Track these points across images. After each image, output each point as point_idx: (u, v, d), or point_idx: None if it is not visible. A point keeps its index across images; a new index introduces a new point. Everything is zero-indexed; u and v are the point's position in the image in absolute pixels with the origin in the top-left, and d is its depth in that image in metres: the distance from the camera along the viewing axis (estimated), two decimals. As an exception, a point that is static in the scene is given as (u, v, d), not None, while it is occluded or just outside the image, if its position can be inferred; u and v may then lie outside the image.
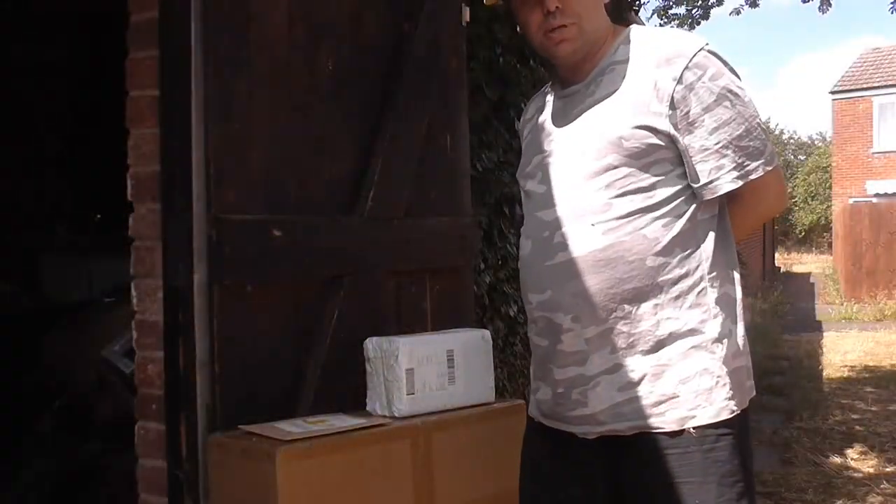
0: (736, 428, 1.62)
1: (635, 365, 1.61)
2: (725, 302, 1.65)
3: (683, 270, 1.62)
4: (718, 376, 1.61)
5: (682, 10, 6.94)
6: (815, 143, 45.10)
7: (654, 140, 1.60)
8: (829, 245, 29.12)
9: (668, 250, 1.61)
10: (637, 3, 5.61)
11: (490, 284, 3.74)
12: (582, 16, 1.66)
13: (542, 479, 1.76)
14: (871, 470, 4.69)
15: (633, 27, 1.74)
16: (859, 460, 4.88)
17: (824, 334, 10.99)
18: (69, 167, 4.71)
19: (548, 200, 1.69)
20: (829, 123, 25.90)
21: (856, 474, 4.62)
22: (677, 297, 1.61)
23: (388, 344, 2.07)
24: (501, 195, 3.89)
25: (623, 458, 1.65)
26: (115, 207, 2.35)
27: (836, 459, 4.89)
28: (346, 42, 2.32)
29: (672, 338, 1.61)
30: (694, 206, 1.64)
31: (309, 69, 2.22)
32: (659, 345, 1.61)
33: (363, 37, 2.36)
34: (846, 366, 8.36)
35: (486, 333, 2.28)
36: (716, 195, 1.62)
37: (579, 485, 1.70)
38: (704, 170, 1.61)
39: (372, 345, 2.10)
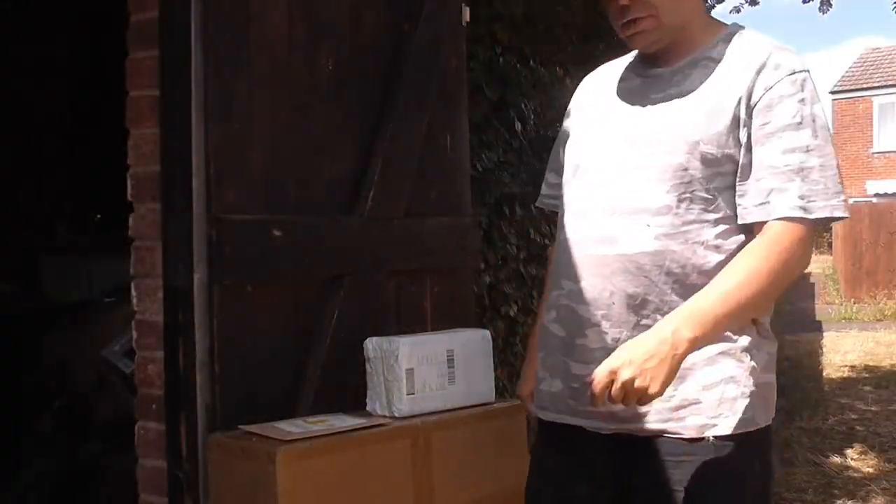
0: (757, 442, 1.55)
1: None
2: (758, 321, 1.58)
3: None
4: (745, 386, 1.53)
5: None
6: (815, 143, 45.06)
7: (731, 151, 1.52)
8: (829, 245, 29.09)
9: (713, 272, 1.51)
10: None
11: (490, 284, 3.74)
12: (659, 7, 1.55)
13: (546, 475, 1.72)
14: (871, 470, 4.69)
15: (738, 26, 1.64)
16: (859, 460, 4.88)
17: (824, 334, 10.99)
18: (69, 167, 4.71)
19: (606, 186, 1.58)
20: (830, 123, 25.88)
21: (856, 474, 4.62)
22: None
23: (388, 344, 2.06)
24: (501, 195, 3.88)
25: (636, 459, 1.58)
26: (115, 207, 2.35)
27: (836, 459, 4.89)
28: (346, 42, 2.32)
29: (700, 351, 1.52)
30: (745, 231, 1.54)
31: (309, 69, 2.22)
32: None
33: (363, 37, 2.36)
34: (846, 366, 8.36)
35: (486, 333, 2.28)
36: (769, 219, 1.49)
37: (585, 482, 1.65)
38: (765, 188, 1.49)
39: (372, 345, 2.10)
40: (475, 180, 3.12)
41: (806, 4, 6.76)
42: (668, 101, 1.58)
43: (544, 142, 4.39)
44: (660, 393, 1.43)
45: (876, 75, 24.78)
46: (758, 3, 6.95)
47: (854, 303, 14.45)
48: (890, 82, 24.14)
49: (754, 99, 1.51)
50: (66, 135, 4.78)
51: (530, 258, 4.19)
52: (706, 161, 1.51)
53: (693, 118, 1.53)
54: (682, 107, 1.56)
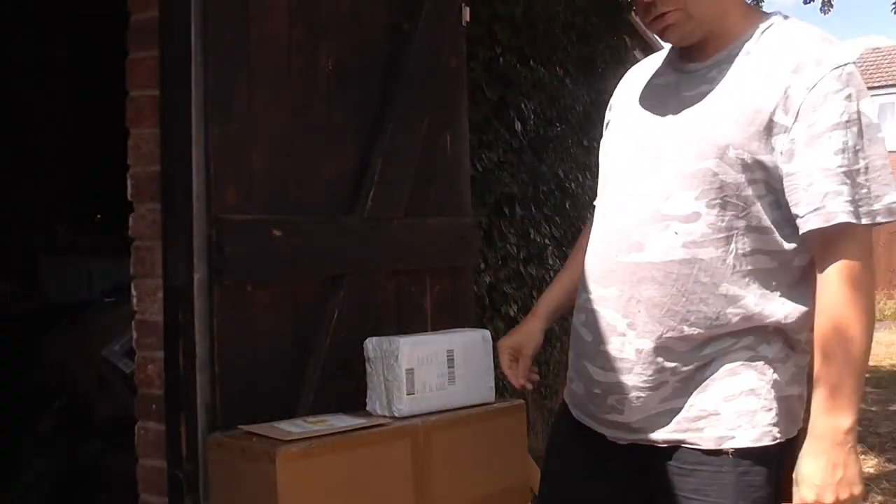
0: (777, 457, 1.49)
1: (680, 379, 1.51)
2: (788, 332, 1.50)
3: (757, 311, 1.47)
4: (766, 399, 1.48)
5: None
6: (815, 143, 45.05)
7: (763, 157, 1.43)
8: (829, 245, 29.07)
9: (745, 283, 1.46)
10: (637, 3, 5.58)
11: (490, 284, 3.74)
12: (688, 1, 1.47)
13: (569, 461, 1.70)
14: (872, 470, 4.69)
15: (780, 18, 1.53)
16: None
17: (824, 334, 10.98)
18: (69, 167, 4.71)
19: (635, 190, 1.52)
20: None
21: (856, 474, 4.62)
22: (740, 328, 1.48)
23: (388, 344, 2.06)
24: (501, 195, 3.89)
25: (656, 468, 1.55)
26: (116, 207, 2.35)
27: (837, 459, 4.88)
28: (346, 42, 2.32)
29: (722, 354, 1.49)
30: (787, 243, 1.46)
31: (309, 69, 2.22)
32: (708, 359, 1.50)
33: (363, 37, 2.36)
34: (846, 366, 8.35)
35: (486, 333, 2.28)
36: (829, 224, 1.39)
37: (603, 481, 1.63)
38: (819, 192, 1.39)
39: (372, 345, 2.10)
40: (475, 180, 3.13)
41: (807, 5, 6.75)
42: (699, 100, 1.50)
43: (544, 142, 4.40)
44: (862, 487, 1.39)
45: (876, 75, 24.77)
46: (761, 7, 6.95)
47: (854, 303, 14.43)
48: (890, 82, 24.12)
49: (796, 101, 1.41)
50: (66, 135, 4.78)
51: (530, 258, 4.19)
52: (737, 166, 1.43)
53: (725, 120, 1.45)
54: (713, 107, 1.47)
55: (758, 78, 1.45)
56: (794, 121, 1.40)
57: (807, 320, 1.48)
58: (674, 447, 1.52)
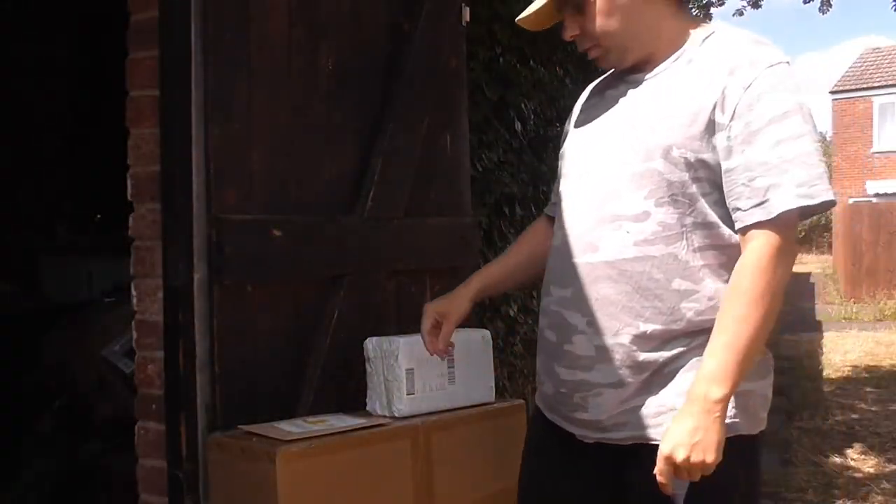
0: (739, 451, 1.52)
1: (640, 379, 1.56)
2: None
3: (711, 304, 1.52)
4: None
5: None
6: (815, 143, 45.05)
7: (705, 156, 1.50)
8: (829, 245, 29.08)
9: (698, 278, 1.52)
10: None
11: (490, 284, 3.73)
12: (599, 36, 1.60)
13: (544, 460, 1.75)
14: (872, 470, 4.69)
15: (718, 25, 1.63)
16: (859, 460, 4.88)
17: (824, 334, 10.99)
18: (69, 167, 4.71)
19: (588, 194, 1.61)
20: (829, 123, 25.90)
21: (856, 474, 4.62)
22: (695, 322, 1.53)
23: (388, 344, 2.06)
24: (501, 195, 3.89)
25: (625, 467, 1.60)
26: (116, 207, 2.35)
27: (836, 459, 4.89)
28: (346, 42, 2.32)
29: (680, 354, 1.55)
30: (734, 237, 1.52)
31: (309, 69, 2.22)
32: (667, 363, 1.56)
33: (363, 37, 2.36)
34: (846, 366, 8.36)
35: (486, 333, 2.28)
36: (772, 216, 1.45)
37: (574, 479, 1.69)
38: (761, 186, 1.46)
39: (372, 345, 2.10)
40: (475, 180, 3.13)
41: (806, 4, 6.76)
42: (645, 106, 1.59)
43: (544, 142, 4.39)
44: (717, 458, 1.44)
45: (876, 75, 24.77)
46: (760, 6, 6.95)
47: (854, 303, 14.45)
48: (890, 82, 24.13)
49: (732, 100, 1.49)
50: (66, 135, 4.78)
51: (530, 258, 4.18)
52: (681, 165, 1.51)
53: (668, 122, 1.53)
54: (658, 111, 1.55)
55: (698, 82, 1.53)
56: (731, 119, 1.48)
57: None
58: (638, 445, 1.57)
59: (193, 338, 1.94)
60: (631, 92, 1.62)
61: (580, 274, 1.59)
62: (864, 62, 25.91)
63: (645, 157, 1.54)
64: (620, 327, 1.55)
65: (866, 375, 7.80)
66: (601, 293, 1.56)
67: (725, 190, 1.51)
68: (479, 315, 3.26)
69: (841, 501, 4.17)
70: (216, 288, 1.97)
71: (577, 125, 1.74)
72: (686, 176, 1.51)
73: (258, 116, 2.08)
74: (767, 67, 1.49)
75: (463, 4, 2.67)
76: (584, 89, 1.82)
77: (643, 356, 1.55)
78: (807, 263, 28.87)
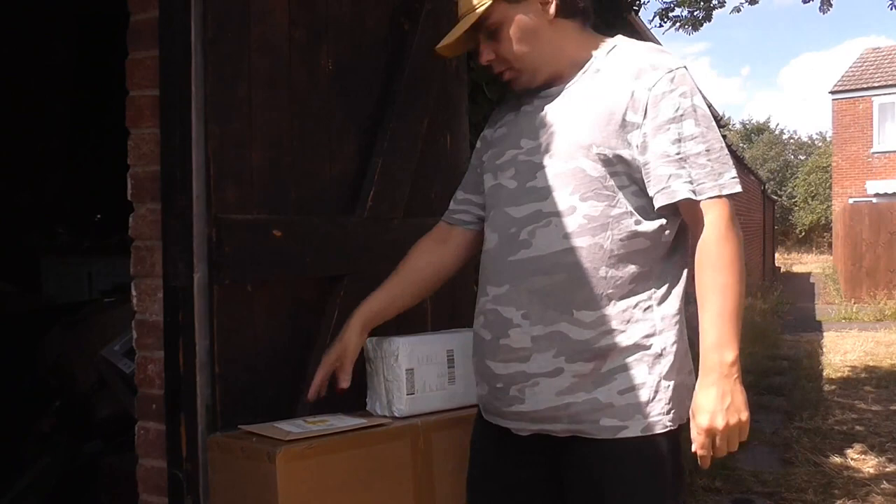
0: (669, 443, 1.66)
1: (576, 370, 1.65)
2: (672, 317, 1.69)
3: (634, 286, 1.67)
4: (656, 391, 1.66)
5: (684, 11, 6.92)
6: (815, 143, 45.11)
7: (621, 151, 1.65)
8: (829, 245, 29.09)
9: (622, 265, 1.66)
10: (637, 4, 5.60)
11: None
12: (512, 59, 1.74)
13: (484, 467, 1.85)
14: (872, 470, 4.70)
15: (620, 39, 1.78)
16: (859, 460, 4.88)
17: (824, 334, 11.00)
18: (69, 167, 4.71)
19: (518, 197, 1.73)
20: (829, 123, 25.91)
21: (856, 474, 4.62)
22: (625, 311, 1.66)
23: (388, 344, 2.07)
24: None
25: (559, 458, 1.72)
26: (116, 207, 2.35)
27: (836, 459, 4.89)
28: (346, 42, 2.32)
29: (615, 349, 1.65)
30: (653, 225, 1.68)
31: (309, 69, 2.22)
32: (601, 354, 1.65)
33: (363, 37, 2.37)
34: (846, 366, 8.36)
35: (486, 333, 2.28)
36: (672, 201, 1.64)
37: (520, 469, 1.78)
38: (664, 174, 1.64)
39: (372, 345, 2.10)
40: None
41: (806, 4, 6.75)
42: (563, 113, 1.72)
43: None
44: (748, 414, 1.60)
45: (876, 75, 24.77)
46: (757, 2, 6.94)
47: (854, 303, 14.46)
48: (890, 82, 24.13)
49: (641, 101, 1.65)
50: (66, 135, 4.78)
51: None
52: (600, 162, 1.65)
53: (585, 125, 1.67)
54: (576, 116, 1.70)
55: (609, 87, 1.69)
56: (644, 117, 1.65)
57: (680, 292, 1.71)
58: (573, 438, 1.68)
59: (193, 338, 1.94)
60: (546, 105, 1.76)
61: (514, 271, 1.69)
62: (864, 62, 25.90)
63: (568, 157, 1.67)
64: (556, 316, 1.65)
65: (866, 375, 7.80)
66: (536, 286, 1.66)
67: (648, 179, 1.65)
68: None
69: (841, 501, 4.17)
70: (216, 288, 1.97)
71: (497, 140, 1.85)
72: (606, 171, 1.65)
73: (258, 116, 2.09)
74: (667, 72, 1.66)
75: (463, 4, 2.66)
76: (528, 98, 1.87)
77: (578, 343, 1.65)
78: (807, 263, 28.89)
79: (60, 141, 4.79)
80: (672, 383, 1.67)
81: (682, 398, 1.67)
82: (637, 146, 1.65)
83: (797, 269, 26.57)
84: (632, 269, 1.66)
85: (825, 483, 4.44)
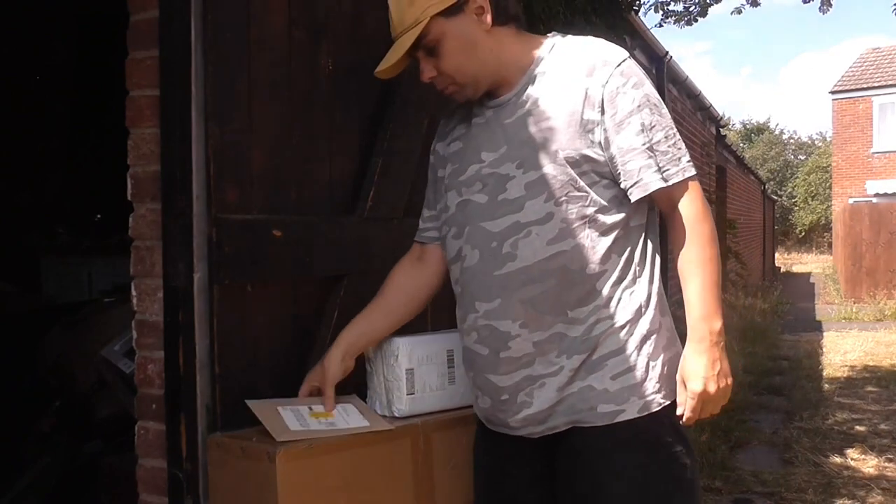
0: (667, 418, 1.71)
1: (574, 364, 1.70)
2: (654, 298, 1.74)
3: (619, 275, 1.71)
4: (647, 371, 1.71)
5: (679, 6, 6.91)
6: (815, 143, 45.12)
7: (586, 151, 1.68)
8: (829, 245, 29.09)
9: (605, 258, 1.70)
10: (637, 4, 5.60)
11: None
12: (454, 73, 1.74)
13: (492, 475, 1.88)
14: (872, 470, 4.70)
15: (556, 36, 1.79)
16: (859, 460, 4.89)
17: (824, 334, 11.00)
18: (69, 167, 4.71)
19: (492, 211, 1.73)
20: (829, 123, 25.91)
21: (856, 474, 4.62)
22: (611, 298, 1.70)
23: (388, 344, 2.07)
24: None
25: (557, 450, 1.74)
26: (116, 207, 2.35)
27: (836, 459, 4.89)
28: (346, 42, 2.32)
29: (606, 335, 1.70)
30: (625, 213, 1.72)
31: (309, 69, 2.22)
32: (595, 343, 1.70)
33: (363, 37, 2.36)
34: (846, 366, 8.36)
35: (486, 333, 2.28)
36: (647, 193, 1.69)
37: (524, 467, 1.81)
38: (634, 168, 1.68)
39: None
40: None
41: (806, 4, 6.75)
42: (521, 122, 1.73)
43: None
44: (732, 379, 1.70)
45: (876, 75, 24.77)
46: (759, 4, 6.94)
47: (854, 303, 14.46)
48: (890, 82, 24.13)
49: (597, 98, 1.67)
50: (66, 135, 4.78)
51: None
52: (567, 165, 1.68)
53: (547, 131, 1.69)
54: (534, 123, 1.71)
55: (562, 88, 1.70)
56: (602, 114, 1.67)
57: (657, 272, 1.76)
58: (572, 429, 1.71)
59: (193, 338, 1.94)
60: (502, 114, 1.76)
61: (503, 284, 1.71)
62: (864, 62, 25.90)
63: (535, 165, 1.69)
64: (552, 320, 1.69)
65: (866, 375, 7.80)
66: (528, 295, 1.69)
67: (618, 173, 1.70)
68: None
69: (841, 501, 4.17)
70: (216, 288, 1.97)
71: (453, 156, 1.85)
72: (574, 173, 1.68)
73: (258, 116, 2.08)
74: (617, 66, 1.69)
75: (463, 4, 2.66)
76: (480, 111, 1.86)
77: (575, 340, 1.70)
78: (807, 263, 28.90)
79: (60, 141, 4.79)
80: (660, 361, 1.72)
81: (670, 374, 1.72)
82: (600, 143, 1.68)
83: (797, 269, 26.58)
84: (614, 258, 1.71)
85: (825, 483, 4.44)
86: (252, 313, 2.05)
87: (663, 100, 1.79)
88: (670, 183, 1.69)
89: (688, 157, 1.72)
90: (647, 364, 1.71)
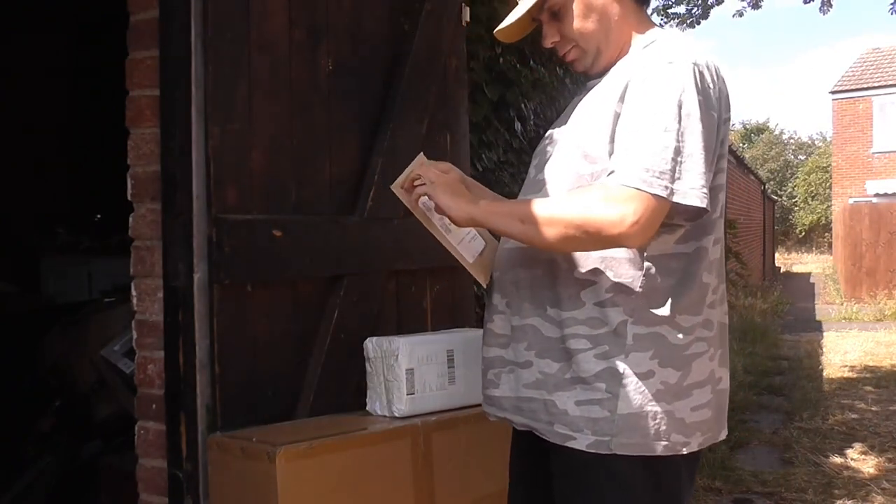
0: (617, 469, 1.55)
1: (543, 367, 1.61)
2: (654, 343, 1.55)
3: (610, 296, 1.56)
4: (609, 412, 1.54)
5: (682, 9, 6.92)
6: (815, 143, 45.13)
7: (612, 146, 1.56)
8: (829, 245, 29.09)
9: (596, 271, 1.57)
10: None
11: (490, 284, 3.73)
12: (578, 38, 1.69)
13: (513, 472, 1.85)
14: (872, 470, 4.69)
15: (657, 33, 1.69)
16: (859, 460, 4.88)
17: (824, 334, 10.99)
18: (69, 167, 4.71)
19: (529, 186, 1.75)
20: (829, 123, 25.90)
21: (856, 474, 4.62)
22: (595, 319, 1.56)
23: (388, 344, 2.07)
24: (501, 195, 3.88)
25: (522, 447, 1.74)
26: (116, 207, 2.35)
27: (836, 459, 4.89)
28: (346, 42, 2.32)
29: (582, 356, 1.57)
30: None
31: (309, 69, 2.22)
32: (568, 357, 1.58)
33: (363, 37, 2.36)
34: (846, 366, 8.35)
35: (486, 333, 2.28)
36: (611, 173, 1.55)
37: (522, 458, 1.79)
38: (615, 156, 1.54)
39: (372, 345, 2.10)
40: (475, 180, 3.12)
41: (806, 4, 6.76)
42: (581, 108, 1.70)
43: (544, 142, 4.39)
44: (432, 197, 1.66)
45: (876, 75, 24.76)
46: (760, 7, 6.95)
47: (854, 303, 14.45)
48: (890, 82, 24.12)
49: (625, 88, 1.57)
50: (66, 135, 4.78)
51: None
52: (595, 160, 1.59)
53: (587, 124, 1.64)
54: (584, 114, 1.67)
55: (615, 86, 1.61)
56: (624, 105, 1.55)
57: (665, 313, 1.55)
58: (528, 432, 1.66)
59: (193, 338, 1.94)
60: (584, 97, 1.73)
61: (504, 259, 1.72)
62: (864, 62, 25.90)
63: (567, 157, 1.65)
64: (531, 310, 1.65)
65: (866, 375, 7.79)
66: (517, 276, 1.68)
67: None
68: (478, 315, 3.26)
69: (841, 501, 4.16)
70: (216, 288, 1.97)
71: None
72: (598, 168, 1.58)
73: (258, 116, 2.09)
74: (664, 62, 1.54)
75: (463, 4, 2.67)
76: (583, 88, 1.84)
77: (548, 340, 1.62)
78: (807, 263, 28.89)
79: (60, 141, 4.79)
80: (637, 409, 1.53)
81: (644, 426, 1.54)
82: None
83: (797, 269, 26.57)
84: (609, 275, 1.56)
85: (825, 483, 4.43)
86: (252, 313, 2.05)
87: None
88: (638, 188, 1.47)
89: (692, 185, 1.48)
90: (616, 405, 1.53)
